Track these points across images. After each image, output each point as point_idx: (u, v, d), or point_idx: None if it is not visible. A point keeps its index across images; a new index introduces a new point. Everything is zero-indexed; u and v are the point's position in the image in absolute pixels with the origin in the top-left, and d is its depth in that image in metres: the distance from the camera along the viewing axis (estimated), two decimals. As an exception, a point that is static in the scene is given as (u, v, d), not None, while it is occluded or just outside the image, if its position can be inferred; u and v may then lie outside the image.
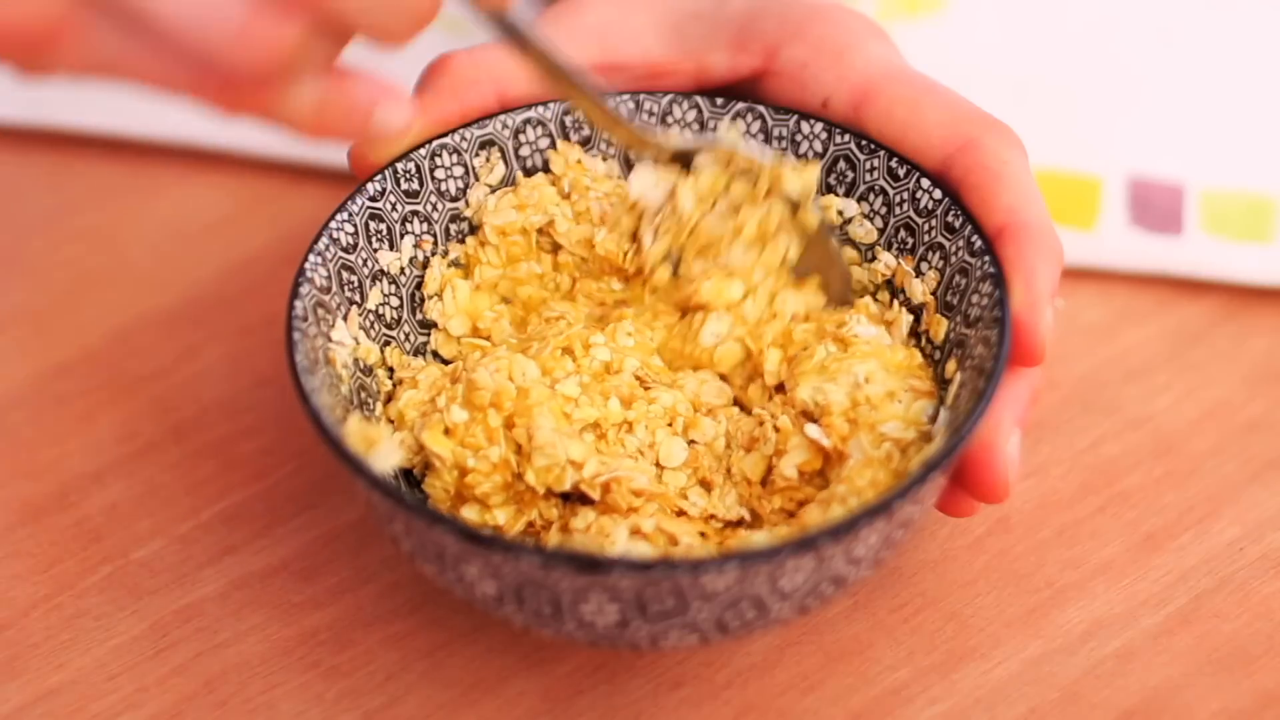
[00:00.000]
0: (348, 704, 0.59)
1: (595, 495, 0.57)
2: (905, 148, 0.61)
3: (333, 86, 0.52)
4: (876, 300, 0.62)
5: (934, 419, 0.58)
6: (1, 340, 0.69)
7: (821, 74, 0.62)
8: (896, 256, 0.61)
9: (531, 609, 0.54)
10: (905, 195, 0.61)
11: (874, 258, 0.62)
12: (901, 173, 0.61)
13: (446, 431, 0.58)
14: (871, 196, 0.61)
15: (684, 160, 0.61)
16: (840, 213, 0.62)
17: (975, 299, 0.58)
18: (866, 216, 0.62)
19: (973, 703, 0.58)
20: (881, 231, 0.62)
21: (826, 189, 0.62)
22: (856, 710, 0.58)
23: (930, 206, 0.60)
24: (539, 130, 0.63)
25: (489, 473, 0.57)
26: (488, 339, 0.62)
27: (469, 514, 0.58)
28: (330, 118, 0.52)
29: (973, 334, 0.58)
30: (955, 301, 0.59)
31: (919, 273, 0.61)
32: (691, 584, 0.52)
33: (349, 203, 0.60)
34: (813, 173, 0.61)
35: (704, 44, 0.63)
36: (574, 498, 0.58)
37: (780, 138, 0.62)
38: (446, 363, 0.62)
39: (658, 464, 0.59)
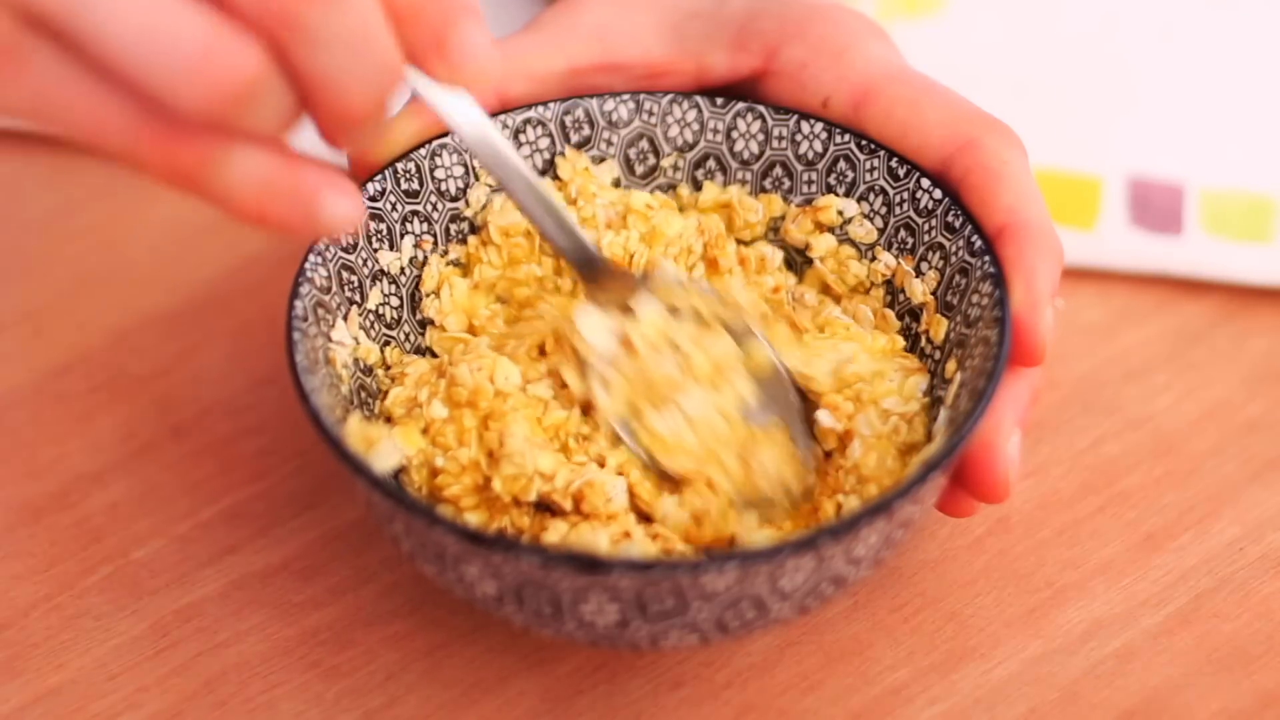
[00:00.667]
0: (348, 704, 0.59)
1: (567, 506, 0.57)
2: (905, 147, 0.60)
3: (280, 163, 0.47)
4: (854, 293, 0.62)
5: (928, 394, 0.58)
6: (1, 340, 0.69)
7: (821, 74, 0.62)
8: (896, 256, 0.61)
9: (531, 609, 0.54)
10: (905, 195, 0.61)
11: (874, 258, 0.62)
12: (901, 173, 0.61)
13: (425, 430, 0.58)
14: (871, 196, 0.61)
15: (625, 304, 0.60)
16: (840, 213, 0.62)
17: (975, 299, 0.58)
18: (866, 216, 0.62)
19: (973, 703, 0.58)
20: (881, 231, 0.62)
21: (826, 189, 0.62)
22: (856, 710, 0.58)
23: (930, 206, 0.60)
24: (539, 130, 0.63)
25: (458, 474, 0.57)
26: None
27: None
28: (272, 199, 0.47)
29: (973, 334, 0.58)
30: (955, 301, 0.59)
31: (919, 273, 0.61)
32: (691, 584, 0.52)
33: None
34: (756, 292, 0.61)
35: (704, 44, 0.63)
36: (545, 508, 0.58)
37: (780, 137, 0.62)
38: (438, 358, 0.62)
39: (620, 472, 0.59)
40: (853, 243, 0.62)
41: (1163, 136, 0.73)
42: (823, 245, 0.62)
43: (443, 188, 0.62)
